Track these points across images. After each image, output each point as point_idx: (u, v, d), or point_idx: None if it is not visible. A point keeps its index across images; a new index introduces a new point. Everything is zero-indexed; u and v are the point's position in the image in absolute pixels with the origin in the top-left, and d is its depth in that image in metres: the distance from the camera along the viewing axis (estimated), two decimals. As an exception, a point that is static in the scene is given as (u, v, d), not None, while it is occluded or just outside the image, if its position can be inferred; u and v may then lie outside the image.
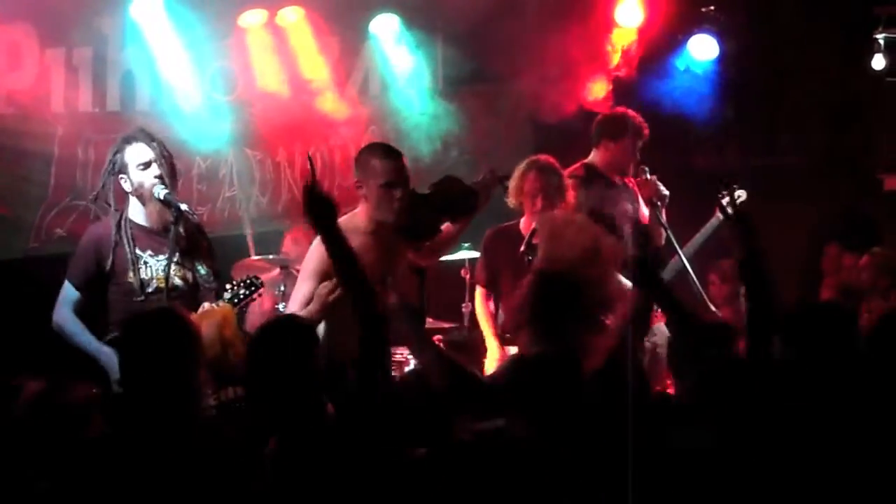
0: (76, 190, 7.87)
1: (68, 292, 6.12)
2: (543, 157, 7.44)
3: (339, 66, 8.89)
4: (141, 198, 6.20)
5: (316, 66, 8.74)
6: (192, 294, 6.15)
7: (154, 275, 6.14)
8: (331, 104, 8.86)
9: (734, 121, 9.34)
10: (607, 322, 4.77)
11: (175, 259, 6.12)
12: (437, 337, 8.06)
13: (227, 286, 6.26)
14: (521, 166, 7.36)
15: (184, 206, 6.18)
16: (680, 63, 9.18)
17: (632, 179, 7.99)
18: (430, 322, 7.59)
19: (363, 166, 6.11)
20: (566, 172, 7.75)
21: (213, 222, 8.15)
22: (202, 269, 6.23)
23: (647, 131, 7.84)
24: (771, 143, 9.41)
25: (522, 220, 7.43)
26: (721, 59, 9.15)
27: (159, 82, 8.12)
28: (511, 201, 7.39)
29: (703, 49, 9.11)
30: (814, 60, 9.14)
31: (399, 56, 8.93)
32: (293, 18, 8.56)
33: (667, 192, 7.63)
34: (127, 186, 6.18)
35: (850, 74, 9.29)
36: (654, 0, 8.88)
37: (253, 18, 8.41)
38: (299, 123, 8.74)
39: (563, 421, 4.21)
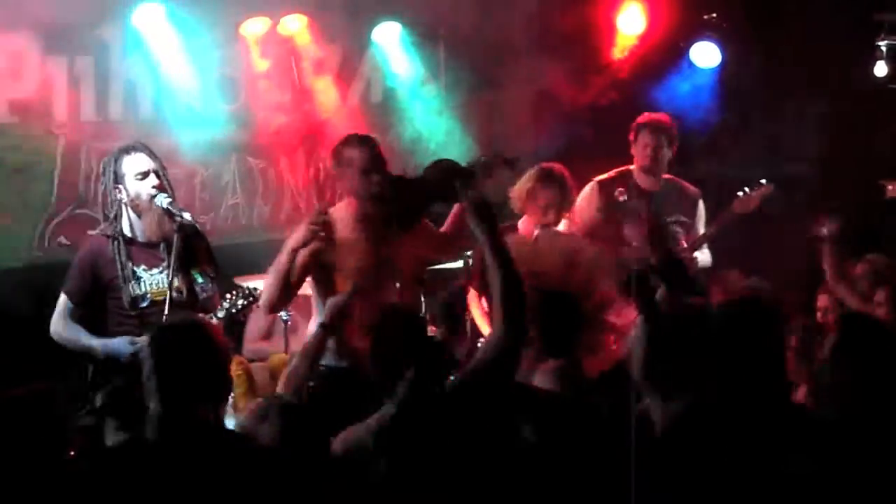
0: (79, 199, 7.85)
1: (66, 305, 6.16)
2: (556, 165, 7.44)
3: (341, 75, 8.90)
4: (137, 209, 6.17)
5: (318, 75, 8.75)
6: (189, 305, 6.14)
7: (148, 289, 6.14)
8: (333, 113, 8.87)
9: (736, 128, 9.34)
10: (607, 325, 4.80)
11: (174, 269, 6.11)
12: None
13: (227, 296, 6.26)
14: (532, 174, 7.36)
15: (187, 215, 6.17)
16: (682, 70, 9.20)
17: (677, 180, 8.01)
18: (431, 330, 7.59)
19: (339, 158, 6.28)
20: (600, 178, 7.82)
21: (216, 231, 8.14)
22: (199, 278, 6.22)
23: (670, 130, 7.86)
24: (772, 150, 9.40)
25: (521, 224, 7.44)
26: (723, 67, 9.17)
27: (162, 91, 8.11)
28: (516, 206, 7.39)
29: (705, 56, 9.13)
30: (815, 67, 9.14)
31: (401, 64, 8.95)
32: (295, 27, 8.56)
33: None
34: (122, 197, 6.16)
35: (852, 82, 9.29)
36: (656, 7, 8.92)
37: (256, 27, 8.40)
38: (301, 132, 8.75)
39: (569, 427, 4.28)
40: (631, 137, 7.92)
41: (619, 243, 7.61)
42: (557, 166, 7.44)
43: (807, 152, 9.38)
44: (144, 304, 6.11)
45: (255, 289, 6.30)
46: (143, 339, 5.75)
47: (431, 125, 9.06)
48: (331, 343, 6.28)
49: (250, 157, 8.61)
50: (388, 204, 6.12)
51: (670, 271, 5.09)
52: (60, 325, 6.18)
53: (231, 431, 4.50)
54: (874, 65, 9.23)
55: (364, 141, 6.33)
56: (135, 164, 6.18)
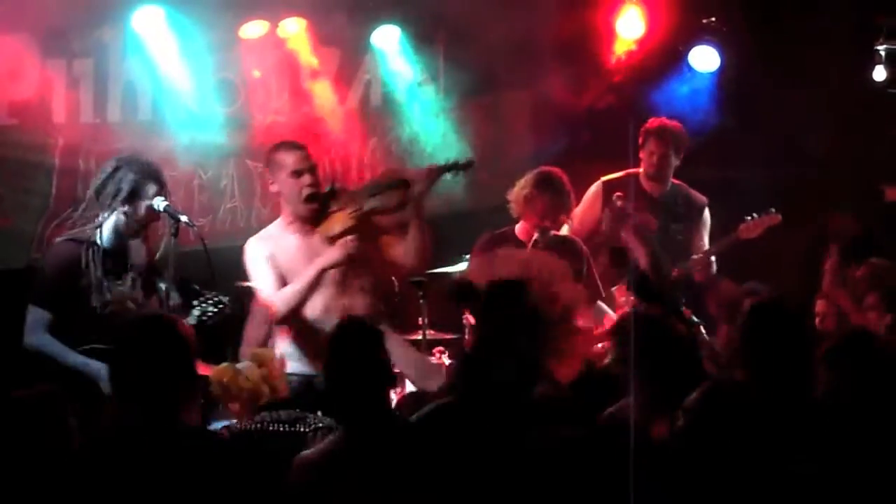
0: (77, 200, 7.80)
1: (39, 315, 6.10)
2: (554, 170, 7.44)
3: (340, 78, 8.90)
4: (134, 232, 6.19)
5: (317, 78, 8.75)
6: None
7: (110, 298, 6.12)
8: (332, 116, 8.87)
9: (735, 132, 9.32)
10: (574, 329, 4.82)
11: (134, 279, 6.16)
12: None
13: (195, 303, 6.24)
14: (529, 179, 7.36)
15: (184, 218, 6.18)
16: (681, 74, 9.19)
17: (684, 187, 7.99)
18: (431, 334, 7.60)
19: (271, 164, 6.53)
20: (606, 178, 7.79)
21: (215, 234, 8.14)
22: (163, 285, 6.19)
23: (678, 138, 7.85)
24: (772, 154, 9.39)
25: (518, 227, 7.44)
26: (722, 70, 9.16)
27: (160, 93, 8.11)
28: (514, 210, 7.40)
29: (704, 60, 9.11)
30: (815, 71, 9.12)
31: (400, 68, 8.94)
32: (294, 30, 8.55)
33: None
34: (128, 211, 6.13)
35: (852, 86, 9.27)
36: (655, 11, 8.89)
37: (254, 30, 8.40)
38: (300, 135, 8.73)
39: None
40: (640, 141, 7.92)
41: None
42: (556, 171, 7.43)
43: (806, 156, 9.36)
44: (107, 312, 6.09)
45: (226, 295, 6.31)
46: None
47: (430, 128, 9.06)
48: (300, 350, 6.35)
49: (248, 159, 8.61)
50: (321, 205, 6.39)
51: (642, 287, 5.13)
52: (39, 338, 6.10)
53: (196, 429, 4.44)
54: (873, 69, 9.22)
55: (293, 144, 6.58)
56: (158, 198, 6.19)
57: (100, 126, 7.97)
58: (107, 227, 6.16)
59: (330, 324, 5.85)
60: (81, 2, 7.64)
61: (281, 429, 5.37)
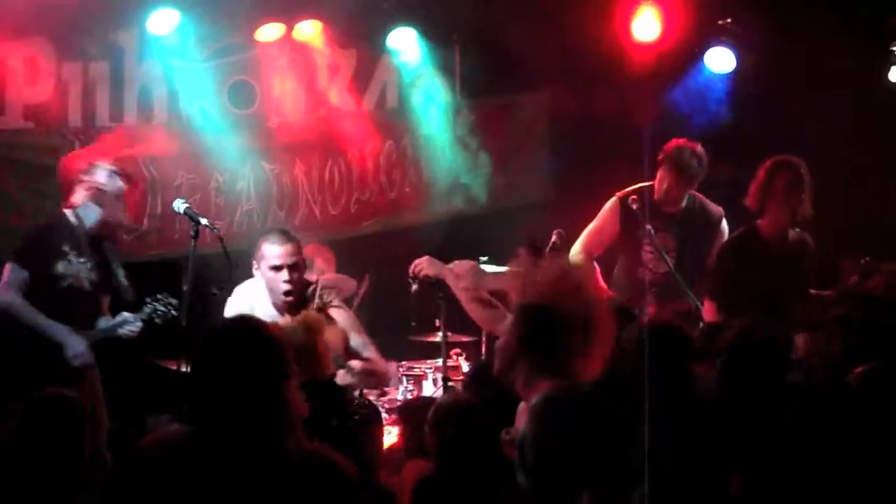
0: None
1: (17, 274, 6.47)
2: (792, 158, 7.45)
3: (356, 80, 8.91)
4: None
5: (333, 80, 8.75)
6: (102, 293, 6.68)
7: (70, 272, 6.52)
8: (348, 118, 8.87)
9: (750, 134, 9.31)
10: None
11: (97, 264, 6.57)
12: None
13: (147, 300, 6.68)
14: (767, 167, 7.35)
15: (204, 220, 6.31)
16: (696, 75, 9.19)
17: (699, 199, 7.89)
18: (449, 336, 7.59)
19: (258, 251, 6.50)
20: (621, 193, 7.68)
21: (232, 236, 8.11)
22: (120, 274, 6.69)
23: (696, 169, 7.73)
24: (787, 155, 9.37)
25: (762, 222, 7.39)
26: (737, 72, 9.15)
27: (177, 96, 8.11)
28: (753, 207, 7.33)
29: (719, 62, 9.11)
30: (830, 73, 9.11)
31: (416, 69, 8.94)
32: (310, 32, 8.55)
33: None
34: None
35: (867, 87, 9.25)
36: (671, 13, 8.87)
37: (270, 32, 8.40)
38: (316, 137, 8.74)
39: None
40: (659, 158, 7.75)
41: (637, 261, 7.59)
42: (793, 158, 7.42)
43: (822, 158, 9.34)
44: (65, 286, 6.48)
45: (175, 300, 6.56)
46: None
47: (445, 131, 9.06)
48: None
49: (265, 162, 8.61)
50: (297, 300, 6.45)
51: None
52: (11, 296, 6.44)
53: (304, 451, 3.71)
54: (889, 69, 9.20)
55: (283, 237, 6.52)
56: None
57: (116, 129, 7.96)
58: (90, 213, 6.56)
59: None
60: (97, 5, 7.64)
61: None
